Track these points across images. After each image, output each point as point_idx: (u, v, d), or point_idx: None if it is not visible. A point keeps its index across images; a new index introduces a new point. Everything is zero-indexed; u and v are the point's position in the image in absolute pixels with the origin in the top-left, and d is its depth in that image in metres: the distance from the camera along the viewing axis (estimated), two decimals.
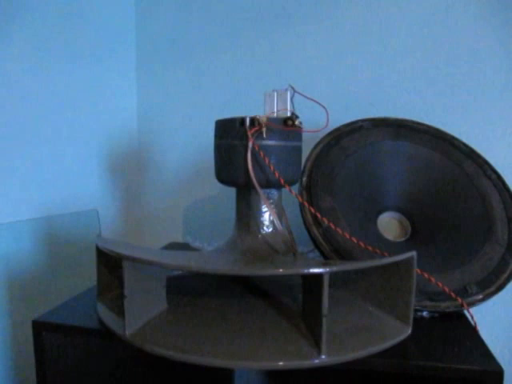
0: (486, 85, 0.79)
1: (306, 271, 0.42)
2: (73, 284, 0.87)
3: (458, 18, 0.80)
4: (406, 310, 0.48)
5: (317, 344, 0.42)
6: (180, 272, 0.58)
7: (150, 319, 0.48)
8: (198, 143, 0.98)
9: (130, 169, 1.02)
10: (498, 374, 0.42)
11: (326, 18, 0.85)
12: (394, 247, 0.62)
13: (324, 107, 0.54)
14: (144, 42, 0.99)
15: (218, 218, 0.96)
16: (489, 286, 0.55)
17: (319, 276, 0.41)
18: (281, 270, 0.44)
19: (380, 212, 0.66)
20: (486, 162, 0.66)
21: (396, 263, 0.48)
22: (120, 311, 0.51)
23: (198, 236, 0.96)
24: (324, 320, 0.42)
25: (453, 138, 0.68)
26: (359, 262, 0.46)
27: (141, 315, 0.48)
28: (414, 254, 0.47)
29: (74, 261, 0.88)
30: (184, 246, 0.82)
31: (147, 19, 0.98)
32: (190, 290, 0.55)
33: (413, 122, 0.69)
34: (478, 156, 0.67)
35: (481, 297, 0.55)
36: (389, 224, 0.67)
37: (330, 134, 0.66)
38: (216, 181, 0.96)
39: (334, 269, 0.42)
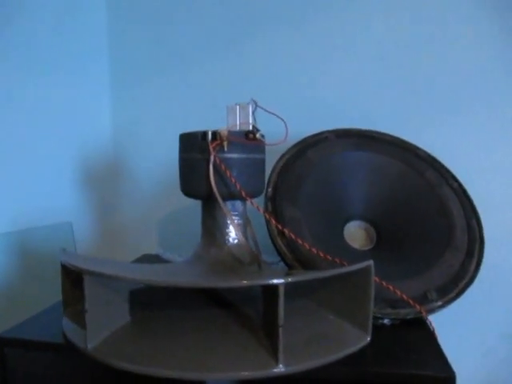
0: (448, 95, 0.81)
1: (262, 283, 0.43)
2: (45, 298, 0.86)
3: (420, 31, 0.82)
4: (365, 318, 0.49)
5: (274, 354, 0.43)
6: (143, 285, 0.58)
7: (112, 333, 0.48)
8: (170, 155, 0.98)
9: (104, 181, 1.02)
10: (450, 379, 0.43)
11: (294, 29, 0.87)
12: (359, 256, 0.63)
13: (283, 120, 0.56)
14: (117, 55, 1.00)
15: (190, 230, 0.96)
16: (449, 293, 0.57)
17: (276, 287, 0.42)
18: (236, 283, 0.46)
19: (346, 221, 0.68)
20: (448, 171, 0.68)
21: (355, 272, 0.49)
22: (83, 325, 0.51)
23: (171, 248, 0.96)
24: (280, 330, 0.42)
25: (415, 147, 0.70)
26: (316, 272, 0.47)
27: (102, 329, 0.48)
28: (371, 262, 0.48)
29: (46, 275, 0.88)
30: (155, 258, 0.82)
31: (120, 33, 0.99)
32: (154, 302, 0.56)
33: (376, 133, 0.71)
34: (440, 165, 0.68)
35: (440, 303, 0.56)
36: (355, 233, 0.68)
37: (295, 145, 0.67)
38: None
39: (289, 280, 0.43)
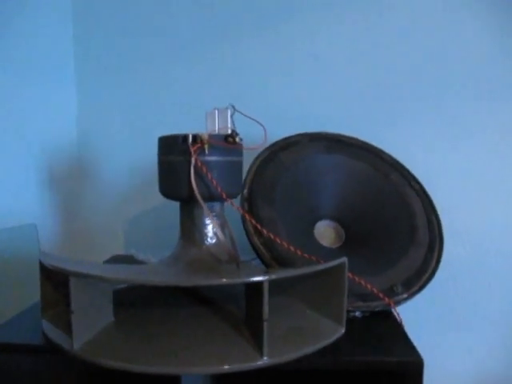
0: (410, 100, 0.87)
1: (247, 280, 0.46)
2: (11, 302, 0.84)
3: (383, 36, 0.87)
4: (339, 311, 0.53)
5: (259, 347, 0.46)
6: (126, 285, 0.59)
7: (97, 333, 0.49)
8: (137, 156, 0.99)
9: (69, 182, 1.00)
10: (418, 363, 0.47)
11: (266, 33, 0.90)
12: (330, 253, 0.67)
13: (262, 125, 0.58)
14: (84, 54, 0.98)
15: (161, 230, 0.97)
16: (413, 286, 0.61)
17: (260, 284, 0.45)
18: (224, 280, 0.48)
19: (316, 221, 0.71)
20: (410, 173, 0.73)
21: (330, 268, 0.52)
22: (66, 327, 0.51)
23: (142, 248, 0.96)
24: (265, 324, 0.45)
25: (380, 151, 0.75)
26: (296, 269, 0.50)
27: (88, 329, 0.49)
28: (345, 259, 0.52)
29: (11, 278, 0.86)
30: (128, 259, 0.83)
31: (87, 31, 0.98)
32: (137, 302, 0.57)
33: (343, 136, 0.75)
34: (403, 167, 0.73)
35: (406, 296, 0.60)
36: (324, 232, 0.72)
37: (268, 148, 0.70)
38: (157, 193, 0.99)
39: (273, 277, 0.45)
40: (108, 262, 0.85)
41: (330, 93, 0.89)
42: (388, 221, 0.69)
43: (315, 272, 0.50)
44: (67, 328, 0.50)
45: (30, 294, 0.85)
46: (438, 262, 0.65)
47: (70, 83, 0.99)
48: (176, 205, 0.98)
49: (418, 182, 0.72)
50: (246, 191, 0.65)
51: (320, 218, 0.71)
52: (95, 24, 0.98)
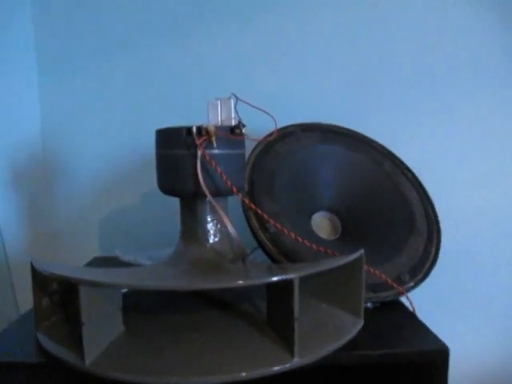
0: (398, 86, 0.88)
1: (276, 279, 0.43)
2: None
3: (374, 30, 0.87)
4: (357, 303, 0.52)
5: (289, 348, 0.44)
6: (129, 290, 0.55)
7: (109, 344, 0.45)
8: (109, 151, 0.93)
9: (34, 180, 0.92)
10: (444, 351, 0.47)
11: (254, 21, 0.88)
12: (330, 245, 0.66)
13: (272, 116, 0.56)
14: (45, 42, 0.90)
15: (134, 229, 0.93)
16: (417, 274, 0.62)
17: (290, 281, 0.42)
18: (248, 281, 0.45)
19: (313, 212, 0.70)
20: (402, 162, 0.73)
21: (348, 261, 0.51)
22: (69, 339, 0.47)
23: (119, 248, 0.91)
24: (296, 324, 0.43)
25: (371, 140, 0.75)
26: (322, 263, 0.48)
27: (98, 341, 0.44)
28: (362, 252, 0.51)
29: None
30: (112, 261, 0.77)
31: (47, 17, 0.90)
32: (145, 307, 0.53)
33: (336, 127, 0.74)
34: (395, 157, 0.74)
35: (412, 284, 0.61)
36: (320, 223, 0.71)
37: (263, 139, 0.67)
38: (134, 190, 0.93)
39: (304, 273, 0.44)
40: (90, 264, 0.79)
41: (318, 82, 0.88)
42: (385, 210, 0.69)
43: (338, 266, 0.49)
44: (71, 341, 0.46)
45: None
46: (438, 249, 0.66)
47: (31, 75, 0.91)
48: (153, 200, 0.94)
49: (409, 171, 0.73)
50: (246, 185, 0.63)
51: (316, 210, 0.70)
52: (56, 4, 0.90)
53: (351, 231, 0.70)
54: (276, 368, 0.43)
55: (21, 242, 0.89)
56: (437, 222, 0.68)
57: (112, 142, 0.93)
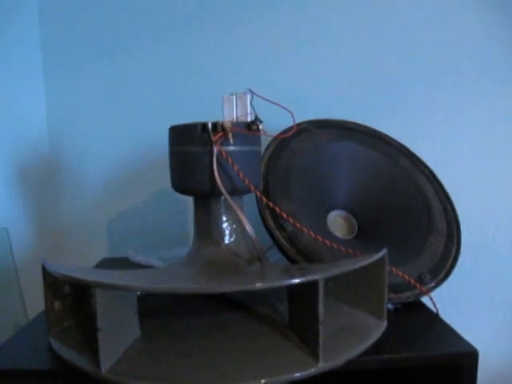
0: (413, 86, 0.86)
1: (299, 280, 0.41)
2: None
3: (387, 24, 0.85)
4: (379, 305, 0.50)
5: (314, 352, 0.42)
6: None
7: (126, 350, 0.43)
8: (116, 150, 0.91)
9: (41, 181, 0.90)
10: (473, 354, 0.45)
11: (258, 20, 0.86)
12: (348, 244, 0.64)
13: (289, 110, 0.54)
14: (51, 40, 0.88)
15: (143, 229, 0.91)
16: (439, 274, 0.60)
17: (315, 283, 0.41)
18: (270, 284, 0.43)
19: (329, 211, 0.68)
20: (418, 159, 0.72)
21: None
22: (83, 345, 0.45)
23: (128, 248, 0.89)
24: (320, 327, 0.41)
25: (387, 136, 0.73)
26: (346, 263, 0.46)
27: (115, 347, 0.43)
28: (385, 252, 0.49)
29: None
30: (122, 262, 0.76)
31: (53, 15, 0.88)
32: (160, 309, 0.51)
33: (351, 123, 0.72)
34: (411, 153, 0.72)
35: (433, 284, 0.59)
36: (336, 222, 0.69)
37: (283, 132, 0.65)
38: (142, 189, 0.92)
39: (328, 274, 0.42)
40: (100, 266, 0.77)
41: (333, 79, 0.86)
42: (402, 208, 0.67)
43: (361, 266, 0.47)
44: (85, 347, 0.44)
45: (5, 308, 0.76)
46: (459, 247, 0.64)
47: (37, 75, 0.89)
48: (162, 200, 0.92)
49: (427, 167, 0.71)
50: (261, 183, 0.61)
51: (332, 208, 0.68)
52: (62, 4, 0.88)
53: (368, 230, 0.68)
54: (300, 373, 0.41)
55: (28, 243, 0.87)
56: (456, 220, 0.66)
57: (120, 142, 0.91)
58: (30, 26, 0.88)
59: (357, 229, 0.69)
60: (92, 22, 0.88)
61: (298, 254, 0.57)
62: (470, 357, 0.46)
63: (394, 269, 0.54)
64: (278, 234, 0.58)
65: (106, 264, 0.79)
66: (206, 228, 0.56)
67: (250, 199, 0.59)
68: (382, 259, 0.49)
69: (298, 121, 0.69)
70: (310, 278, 0.41)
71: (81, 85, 0.90)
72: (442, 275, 0.60)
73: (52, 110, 0.90)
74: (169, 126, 0.55)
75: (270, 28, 0.86)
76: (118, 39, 0.88)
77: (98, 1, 0.87)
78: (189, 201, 0.60)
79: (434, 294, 0.59)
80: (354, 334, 0.47)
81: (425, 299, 0.59)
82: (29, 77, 0.88)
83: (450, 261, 0.62)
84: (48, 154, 0.91)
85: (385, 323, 0.50)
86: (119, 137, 0.90)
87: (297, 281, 0.42)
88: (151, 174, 0.89)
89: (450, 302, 0.82)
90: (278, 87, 0.84)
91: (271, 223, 0.58)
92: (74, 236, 0.92)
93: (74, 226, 0.92)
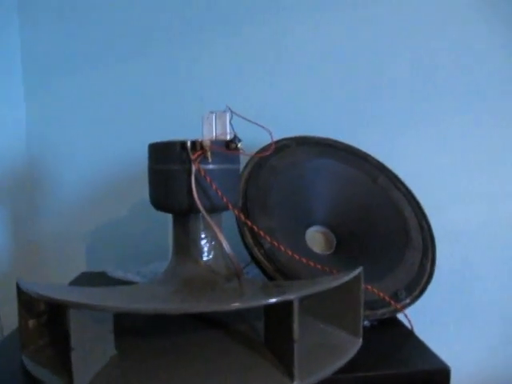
0: (391, 104, 0.88)
1: (274, 300, 0.42)
2: None
3: (364, 39, 0.87)
4: (355, 322, 0.51)
5: (288, 371, 0.42)
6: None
7: (100, 371, 0.43)
8: (99, 162, 0.91)
9: (17, 193, 0.89)
10: (445, 371, 0.46)
11: (237, 36, 0.87)
12: (326, 260, 0.65)
13: (268, 130, 0.55)
14: (32, 49, 0.89)
15: (130, 241, 0.90)
16: (414, 290, 0.61)
17: (290, 302, 0.41)
18: (246, 303, 0.44)
19: (308, 227, 0.69)
20: (395, 176, 0.73)
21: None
22: (57, 364, 0.45)
23: (107, 263, 0.88)
24: (295, 346, 0.42)
25: (365, 154, 0.74)
26: (321, 282, 0.47)
27: (89, 367, 0.42)
28: (361, 269, 0.50)
29: None
30: (100, 277, 0.75)
31: (34, 25, 0.88)
32: (137, 327, 0.51)
33: (331, 141, 0.73)
34: (389, 171, 0.73)
35: (409, 301, 0.60)
36: (315, 238, 0.70)
37: (262, 150, 0.66)
38: (122, 202, 0.91)
39: (303, 293, 0.42)
40: (78, 280, 0.76)
41: (312, 95, 0.87)
42: (379, 225, 0.68)
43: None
44: (59, 366, 0.44)
45: None
46: (434, 263, 0.65)
47: (16, 84, 0.88)
48: (142, 213, 0.92)
49: (403, 185, 0.73)
50: (240, 200, 0.61)
51: (311, 224, 0.69)
52: (43, 13, 0.88)
53: (346, 246, 0.69)
54: None
55: (4, 255, 0.86)
56: (431, 237, 0.68)
57: (99, 153, 0.91)
58: (11, 35, 0.88)
59: (335, 244, 0.69)
60: (73, 32, 0.88)
61: (276, 271, 0.57)
62: (441, 373, 0.46)
63: (369, 286, 0.55)
64: (256, 251, 0.58)
65: (85, 278, 0.78)
66: (185, 245, 0.56)
67: (230, 215, 0.59)
68: (357, 277, 0.50)
69: (280, 137, 0.71)
70: (285, 297, 0.41)
71: (61, 96, 0.90)
72: (417, 292, 0.61)
73: (31, 121, 0.90)
74: (149, 139, 0.55)
75: (249, 44, 0.88)
76: (99, 50, 0.89)
77: (79, 11, 0.88)
78: (169, 215, 0.60)
79: (411, 309, 0.60)
80: (330, 352, 0.48)
81: (402, 316, 0.60)
82: (8, 86, 0.87)
83: (426, 277, 0.63)
84: (26, 164, 0.90)
85: (360, 341, 0.50)
86: (99, 149, 0.90)
87: (272, 301, 0.42)
88: (130, 186, 0.89)
89: (427, 317, 0.84)
90: (257, 104, 0.86)
91: (250, 240, 0.59)
92: (52, 248, 0.91)
93: (52, 238, 0.91)
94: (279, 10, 0.87)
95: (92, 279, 0.78)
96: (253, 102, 0.84)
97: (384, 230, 0.68)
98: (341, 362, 0.46)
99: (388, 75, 0.88)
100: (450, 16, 0.88)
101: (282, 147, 0.69)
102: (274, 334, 0.46)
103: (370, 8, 0.87)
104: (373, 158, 0.74)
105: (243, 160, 0.63)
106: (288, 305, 0.41)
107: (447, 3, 0.88)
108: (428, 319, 0.84)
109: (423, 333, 0.55)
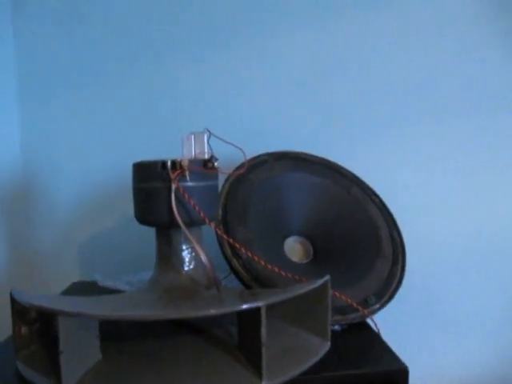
0: (366, 117, 0.92)
1: (244, 307, 0.46)
2: None
3: (344, 57, 0.92)
4: (323, 327, 0.55)
5: (258, 372, 0.46)
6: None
7: (86, 373, 0.47)
8: (92, 175, 0.95)
9: (12, 205, 0.93)
10: (403, 371, 0.51)
11: (219, 56, 0.91)
12: (302, 269, 0.69)
13: (241, 149, 0.59)
14: (27, 65, 0.93)
15: (121, 251, 0.94)
16: (383, 296, 0.65)
17: (258, 309, 0.45)
18: (223, 309, 0.48)
19: (286, 237, 0.73)
20: (369, 187, 0.77)
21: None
22: (48, 368, 0.49)
23: (98, 272, 0.92)
24: (263, 349, 0.46)
25: (339, 166, 0.79)
26: (289, 291, 0.51)
27: (76, 370, 0.46)
28: (328, 277, 0.54)
29: None
30: (90, 286, 0.79)
31: (29, 40, 0.93)
32: (121, 332, 0.55)
33: (306, 155, 0.78)
34: (363, 183, 0.78)
35: (378, 306, 0.64)
36: (293, 247, 0.74)
37: (237, 168, 0.71)
38: (113, 213, 0.95)
39: (271, 301, 0.47)
40: (69, 291, 0.81)
41: (290, 111, 0.92)
42: (353, 234, 0.73)
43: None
44: (50, 370, 0.48)
45: None
46: (403, 271, 0.69)
47: (10, 98, 0.93)
48: (132, 224, 0.95)
49: (377, 196, 0.77)
50: (220, 213, 0.66)
51: (289, 235, 0.73)
52: (38, 29, 0.93)
53: (322, 255, 0.73)
54: None
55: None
56: (402, 246, 0.72)
57: (92, 166, 0.95)
58: (5, 50, 0.92)
59: (312, 253, 0.74)
60: (65, 48, 0.93)
61: (253, 280, 0.62)
62: (400, 374, 0.51)
63: (337, 293, 0.59)
64: (234, 261, 0.62)
65: (76, 288, 0.82)
66: (167, 256, 0.60)
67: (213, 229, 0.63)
68: (324, 285, 0.54)
69: (259, 152, 0.75)
70: (254, 305, 0.46)
71: (54, 110, 0.94)
72: (386, 297, 0.66)
73: (25, 135, 0.94)
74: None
75: (229, 64, 0.92)
76: (90, 67, 0.93)
77: (71, 28, 0.93)
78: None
79: (382, 313, 0.65)
80: (298, 354, 0.52)
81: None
82: (2, 103, 0.92)
83: (395, 284, 0.67)
84: (20, 178, 0.94)
85: (328, 344, 0.54)
86: (91, 162, 0.94)
87: (242, 307, 0.46)
88: (121, 198, 0.92)
89: (399, 321, 0.88)
90: (238, 120, 0.91)
91: (228, 252, 0.63)
92: (44, 259, 0.95)
93: (43, 251, 0.95)
94: (257, 27, 0.92)
95: (82, 289, 0.82)
96: (234, 120, 0.89)
97: (357, 240, 0.72)
98: (307, 364, 0.50)
99: (362, 90, 0.92)
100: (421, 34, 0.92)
101: (261, 162, 0.73)
102: (245, 338, 0.50)
103: (352, 24, 0.91)
104: (347, 171, 0.78)
105: (223, 176, 0.68)
106: (257, 311, 0.46)
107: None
108: (399, 323, 0.88)
109: (395, 335, 0.60)
